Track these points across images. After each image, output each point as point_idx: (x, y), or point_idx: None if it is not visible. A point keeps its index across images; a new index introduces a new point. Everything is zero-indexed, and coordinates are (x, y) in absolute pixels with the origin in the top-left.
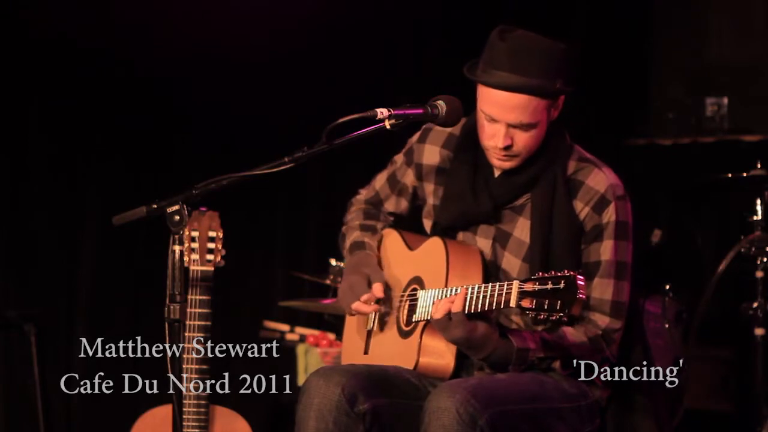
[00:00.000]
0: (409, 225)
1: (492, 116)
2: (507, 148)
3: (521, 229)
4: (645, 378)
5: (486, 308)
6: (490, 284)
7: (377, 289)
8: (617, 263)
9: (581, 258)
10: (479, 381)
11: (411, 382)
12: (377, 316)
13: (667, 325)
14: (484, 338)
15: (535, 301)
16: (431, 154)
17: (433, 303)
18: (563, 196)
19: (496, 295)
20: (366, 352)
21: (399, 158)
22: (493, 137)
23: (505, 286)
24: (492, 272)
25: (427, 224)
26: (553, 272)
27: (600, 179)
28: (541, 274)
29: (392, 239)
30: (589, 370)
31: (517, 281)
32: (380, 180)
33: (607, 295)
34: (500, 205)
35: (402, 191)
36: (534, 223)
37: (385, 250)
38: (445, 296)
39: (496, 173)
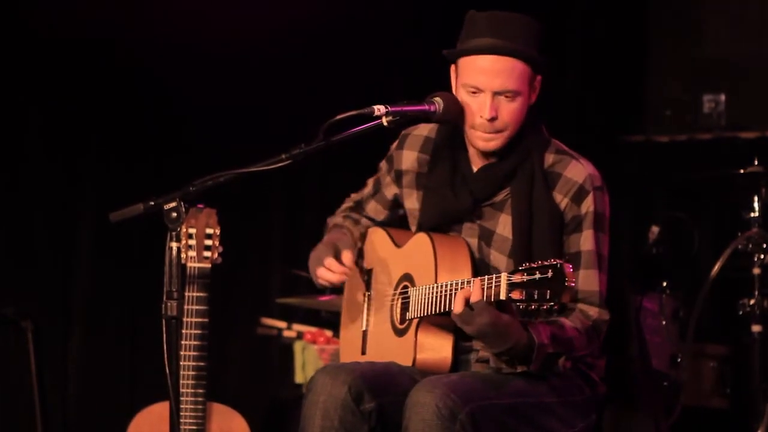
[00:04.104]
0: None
1: (477, 85)
2: (493, 120)
3: (503, 226)
4: (642, 375)
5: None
6: (480, 278)
7: (346, 257)
8: (598, 254)
9: (563, 249)
10: (461, 376)
11: (414, 380)
12: (370, 317)
13: (664, 322)
14: (509, 326)
15: (525, 292)
16: (409, 159)
17: (427, 299)
18: (542, 188)
19: (485, 289)
20: (363, 353)
21: (383, 165)
22: (478, 110)
23: (494, 279)
24: (482, 270)
25: (413, 229)
26: (539, 261)
27: (578, 170)
28: (527, 264)
29: (379, 237)
30: (582, 360)
31: (505, 273)
32: (368, 185)
33: (594, 286)
34: (480, 200)
35: (381, 198)
36: (514, 217)
37: (374, 248)
38: (437, 292)
39: (475, 169)
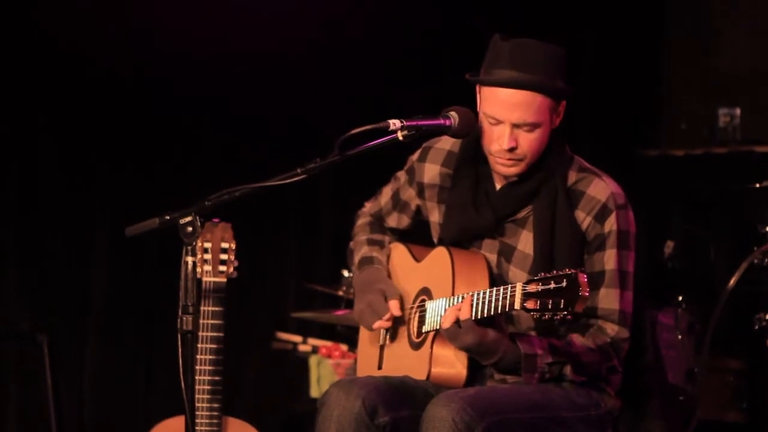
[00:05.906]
0: (416, 239)
1: (496, 117)
2: (512, 150)
3: (525, 242)
4: (658, 388)
5: (492, 313)
6: (494, 289)
7: (393, 307)
8: (620, 272)
9: (585, 268)
10: (478, 391)
11: (429, 393)
12: (388, 332)
13: (680, 336)
14: (495, 343)
15: (539, 301)
16: (431, 173)
17: (443, 313)
18: (564, 207)
19: (501, 299)
20: (380, 367)
21: (401, 175)
22: (497, 140)
23: (509, 289)
24: (499, 285)
25: (435, 240)
26: (555, 272)
27: (601, 188)
28: (543, 274)
29: (399, 252)
30: (597, 376)
31: (520, 283)
32: (385, 195)
33: (615, 305)
34: (502, 218)
35: (404, 208)
36: (536, 235)
37: (393, 263)
38: (453, 305)
39: (498, 186)
